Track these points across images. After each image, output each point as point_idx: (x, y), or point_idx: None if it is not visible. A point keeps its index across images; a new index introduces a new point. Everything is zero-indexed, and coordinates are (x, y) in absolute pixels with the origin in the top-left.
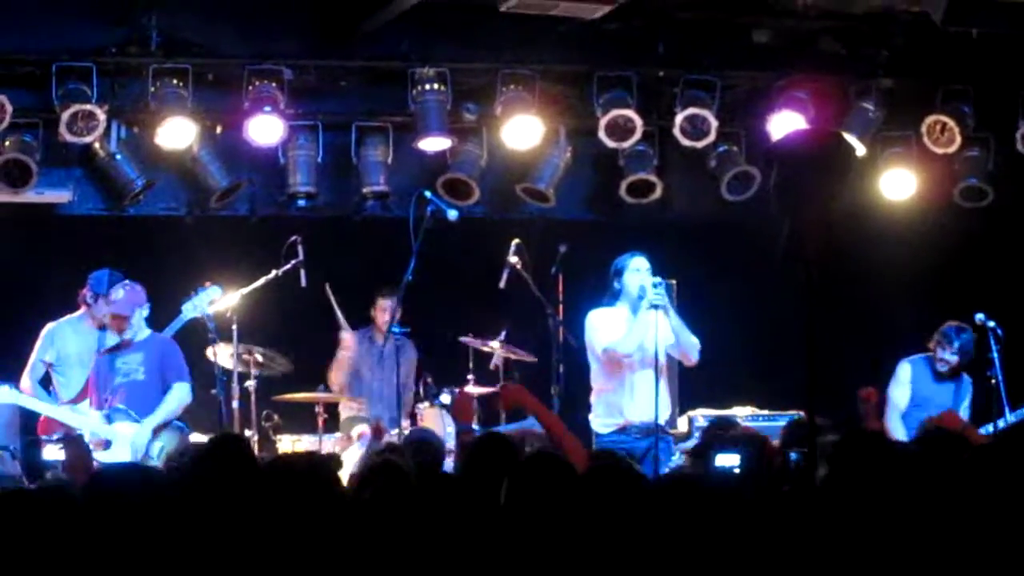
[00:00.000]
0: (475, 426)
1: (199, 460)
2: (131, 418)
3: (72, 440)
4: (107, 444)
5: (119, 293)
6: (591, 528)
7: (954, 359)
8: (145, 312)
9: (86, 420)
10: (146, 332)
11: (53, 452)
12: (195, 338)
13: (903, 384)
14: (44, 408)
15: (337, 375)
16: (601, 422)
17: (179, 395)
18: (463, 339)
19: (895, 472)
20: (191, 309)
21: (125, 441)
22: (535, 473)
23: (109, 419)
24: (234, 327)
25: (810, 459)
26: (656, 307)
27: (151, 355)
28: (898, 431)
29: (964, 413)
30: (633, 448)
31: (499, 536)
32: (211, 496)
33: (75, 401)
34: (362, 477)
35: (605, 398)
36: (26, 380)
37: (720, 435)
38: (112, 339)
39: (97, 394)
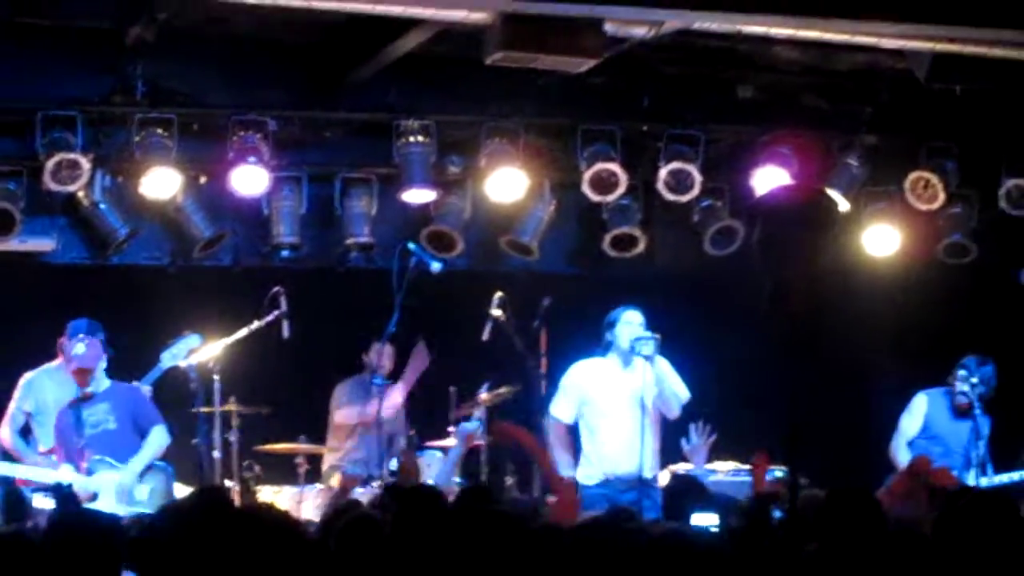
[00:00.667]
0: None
1: (180, 512)
2: (111, 466)
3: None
4: (93, 496)
5: (79, 348)
6: None
7: (972, 392)
8: (103, 364)
9: (67, 476)
10: (107, 382)
11: (41, 501)
12: (176, 387)
13: (916, 415)
14: (22, 471)
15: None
16: (584, 474)
17: (158, 439)
18: (451, 415)
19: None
20: (170, 358)
21: (110, 490)
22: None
23: (90, 472)
24: (215, 377)
25: (792, 516)
26: (646, 359)
27: (118, 404)
28: (903, 457)
29: (981, 451)
30: (616, 501)
31: None
32: (190, 548)
33: (54, 451)
34: (326, 525)
35: (588, 450)
36: (5, 430)
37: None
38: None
39: (64, 448)
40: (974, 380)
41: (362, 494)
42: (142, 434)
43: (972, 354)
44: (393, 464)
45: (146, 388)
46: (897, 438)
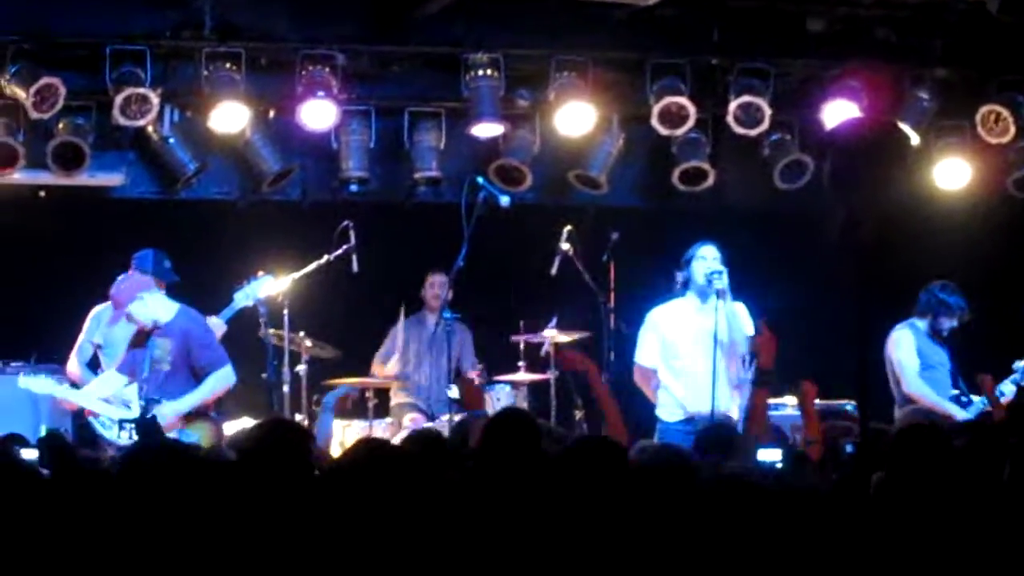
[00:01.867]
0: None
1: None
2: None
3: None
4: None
5: (117, 286)
6: (635, 522)
7: (956, 322)
8: (155, 291)
9: (117, 412)
10: (172, 309)
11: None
12: (246, 323)
13: (910, 349)
14: (76, 397)
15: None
16: (667, 411)
17: (215, 382)
18: (514, 338)
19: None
20: (243, 298)
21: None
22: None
23: (144, 410)
24: (285, 312)
25: (862, 450)
26: (718, 294)
27: (178, 340)
28: (927, 392)
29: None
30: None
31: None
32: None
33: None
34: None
35: (671, 388)
36: (73, 362)
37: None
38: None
39: (130, 363)
40: (955, 311)
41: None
42: (197, 373)
43: (939, 282)
44: (454, 392)
45: (219, 324)
46: (907, 375)
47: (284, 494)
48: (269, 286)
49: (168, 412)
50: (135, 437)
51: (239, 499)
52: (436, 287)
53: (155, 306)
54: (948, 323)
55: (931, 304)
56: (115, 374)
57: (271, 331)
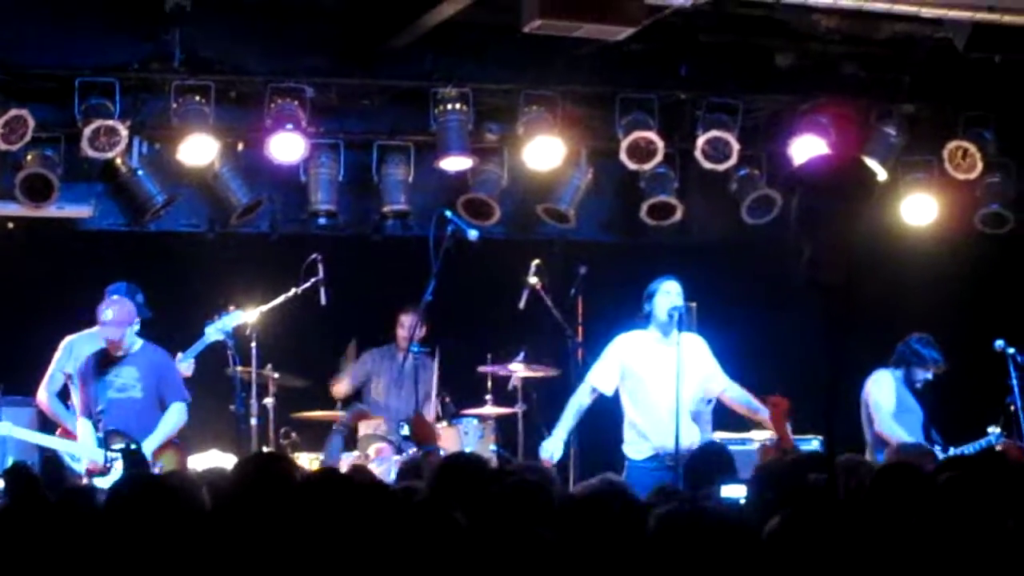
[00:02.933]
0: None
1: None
2: (128, 441)
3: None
4: (107, 470)
5: (108, 313)
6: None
7: (930, 375)
8: (136, 326)
9: (83, 448)
10: (138, 343)
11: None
12: (213, 356)
13: (888, 391)
14: (39, 438)
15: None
16: (633, 448)
17: (177, 416)
18: (481, 369)
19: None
20: (214, 332)
21: (120, 467)
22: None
23: (103, 443)
24: (253, 344)
25: (830, 485)
26: (679, 328)
27: (147, 369)
28: (898, 433)
29: (922, 422)
30: (663, 477)
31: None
32: (248, 515)
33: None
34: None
35: (638, 423)
36: (43, 393)
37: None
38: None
39: (86, 400)
40: (930, 363)
41: (397, 462)
42: (163, 405)
43: (917, 335)
44: (405, 430)
45: (188, 363)
46: (881, 415)
47: (269, 528)
48: (240, 320)
49: (150, 447)
50: (118, 470)
51: (225, 539)
52: (404, 327)
53: (134, 336)
54: (922, 375)
55: (905, 355)
56: (82, 420)
57: (238, 368)
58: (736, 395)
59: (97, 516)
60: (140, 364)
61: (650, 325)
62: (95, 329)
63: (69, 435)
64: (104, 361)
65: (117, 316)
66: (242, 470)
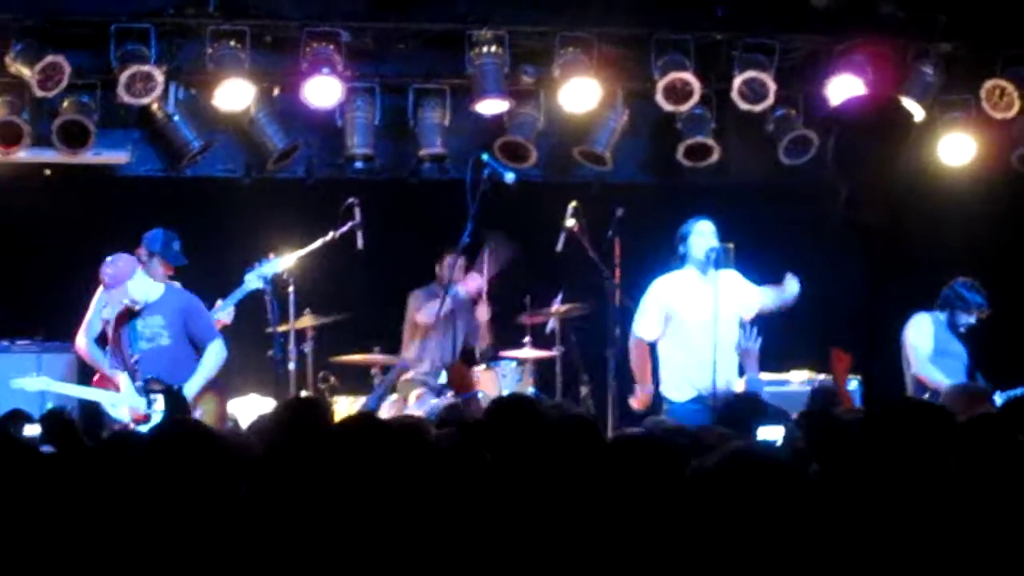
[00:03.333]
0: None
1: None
2: (167, 385)
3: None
4: (148, 418)
5: (104, 280)
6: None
7: (973, 319)
8: (141, 276)
9: (124, 398)
10: (159, 288)
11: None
12: (253, 301)
13: (926, 334)
14: (78, 391)
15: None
16: (675, 389)
17: (216, 356)
18: (521, 318)
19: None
20: (254, 279)
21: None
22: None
23: (142, 391)
24: (290, 289)
25: (866, 425)
26: (715, 266)
27: (172, 315)
28: (935, 375)
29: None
30: (706, 419)
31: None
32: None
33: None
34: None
35: (679, 363)
36: (82, 338)
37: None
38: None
39: (121, 353)
40: (973, 308)
41: (435, 404)
42: (197, 346)
43: (962, 279)
44: (442, 377)
45: (228, 311)
46: (918, 356)
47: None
48: (279, 268)
49: (191, 391)
50: (159, 409)
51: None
52: (457, 269)
53: (146, 285)
54: (965, 319)
55: (950, 299)
56: (120, 374)
57: (277, 322)
58: (769, 297)
59: (141, 462)
60: (165, 311)
61: (686, 265)
62: None
63: (106, 381)
64: (131, 314)
65: (113, 276)
66: (277, 416)
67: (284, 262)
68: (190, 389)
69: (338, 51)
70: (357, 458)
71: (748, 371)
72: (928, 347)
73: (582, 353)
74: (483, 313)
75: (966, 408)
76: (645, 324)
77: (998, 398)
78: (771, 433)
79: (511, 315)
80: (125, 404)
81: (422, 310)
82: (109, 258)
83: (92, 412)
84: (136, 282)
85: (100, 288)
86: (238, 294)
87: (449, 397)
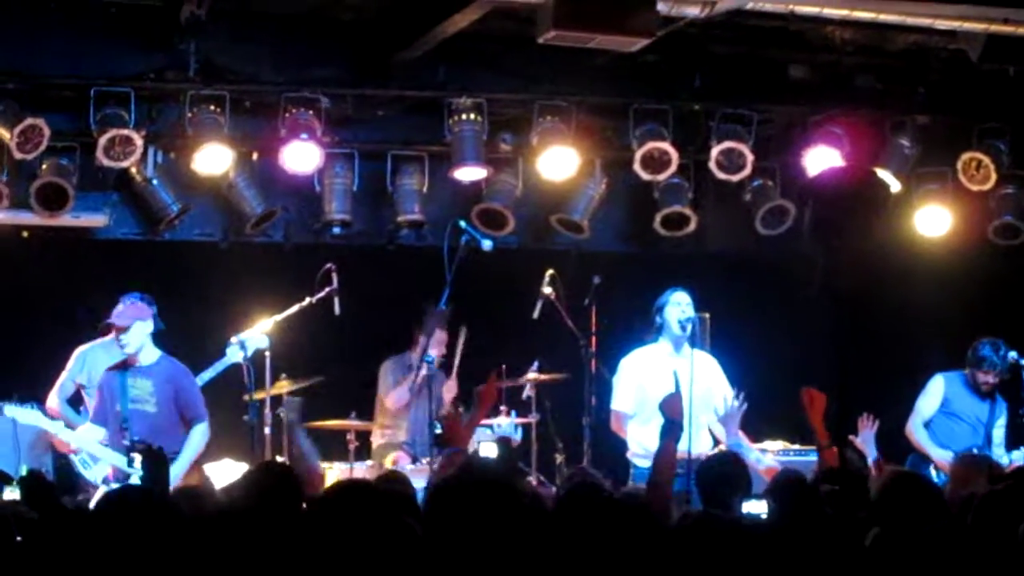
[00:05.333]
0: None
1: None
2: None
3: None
4: (128, 477)
5: (119, 307)
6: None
7: (991, 379)
8: (149, 328)
9: (110, 456)
10: (155, 354)
11: (94, 472)
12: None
13: (933, 396)
14: (68, 436)
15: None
16: (639, 457)
17: (200, 438)
18: (497, 384)
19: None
20: (235, 353)
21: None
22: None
23: (128, 457)
24: (267, 354)
25: (843, 495)
26: (691, 342)
27: (162, 385)
28: (920, 436)
29: (999, 432)
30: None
31: None
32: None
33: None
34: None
35: (639, 433)
36: (53, 399)
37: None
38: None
39: (103, 409)
40: (998, 367)
41: (412, 471)
42: (185, 420)
43: (986, 338)
44: (437, 428)
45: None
46: (914, 418)
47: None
48: (264, 347)
49: (175, 474)
50: (137, 467)
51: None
52: (435, 340)
53: (144, 340)
54: (983, 378)
55: (968, 358)
56: (92, 426)
57: (254, 391)
58: (718, 429)
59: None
60: (157, 379)
61: (661, 338)
62: (109, 339)
63: (63, 446)
64: (121, 369)
65: (127, 310)
66: (248, 480)
67: (265, 337)
68: (176, 471)
69: (317, 117)
70: (338, 523)
71: (729, 437)
72: (930, 409)
73: (557, 420)
74: (450, 389)
75: (963, 480)
76: (621, 398)
77: (1016, 455)
78: (756, 507)
79: (485, 381)
80: (107, 460)
81: (390, 395)
82: (128, 296)
83: (66, 473)
84: (142, 329)
85: (76, 351)
86: (219, 366)
87: (424, 464)
